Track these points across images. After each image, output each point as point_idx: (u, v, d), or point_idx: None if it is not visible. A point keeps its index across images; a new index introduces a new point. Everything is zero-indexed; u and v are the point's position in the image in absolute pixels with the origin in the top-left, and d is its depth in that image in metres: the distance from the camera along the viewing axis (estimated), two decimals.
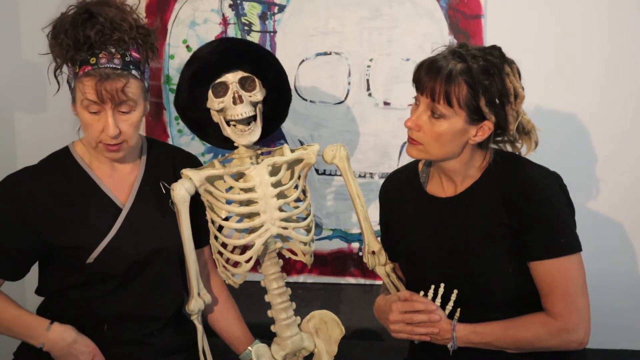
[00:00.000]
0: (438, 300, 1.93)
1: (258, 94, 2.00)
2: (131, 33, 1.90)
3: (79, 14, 1.88)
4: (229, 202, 2.00)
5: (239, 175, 2.03)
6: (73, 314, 2.01)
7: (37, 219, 1.94)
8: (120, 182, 2.03)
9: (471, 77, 1.83)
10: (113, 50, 1.88)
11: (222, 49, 2.02)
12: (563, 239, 1.87)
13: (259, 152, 2.07)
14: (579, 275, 1.88)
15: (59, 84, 1.98)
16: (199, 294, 2.01)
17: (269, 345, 2.09)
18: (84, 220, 1.97)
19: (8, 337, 2.05)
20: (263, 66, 2.04)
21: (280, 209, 2.01)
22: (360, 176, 2.78)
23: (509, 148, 2.00)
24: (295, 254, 2.11)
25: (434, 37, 2.68)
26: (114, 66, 1.87)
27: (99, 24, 1.87)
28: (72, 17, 1.88)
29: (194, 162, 2.14)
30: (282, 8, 2.75)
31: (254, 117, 2.00)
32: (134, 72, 1.91)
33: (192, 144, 2.78)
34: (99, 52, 1.87)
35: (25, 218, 1.94)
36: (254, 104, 2.00)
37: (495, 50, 1.89)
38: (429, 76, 1.86)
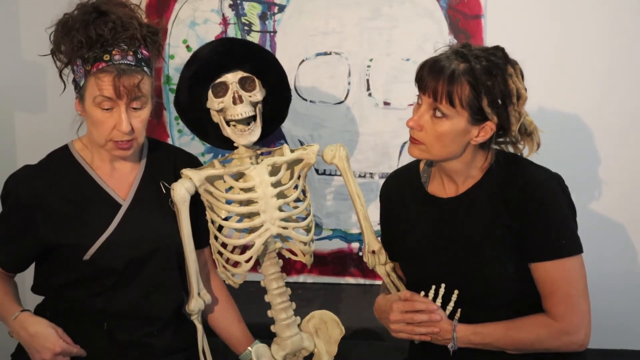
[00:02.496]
0: (439, 301, 1.93)
1: (258, 94, 2.00)
2: (142, 31, 1.92)
3: (89, 12, 1.89)
4: (229, 202, 2.00)
5: (239, 175, 2.03)
6: (71, 312, 2.00)
7: (39, 217, 1.95)
8: (120, 180, 2.03)
9: (474, 77, 1.83)
10: (125, 47, 1.89)
11: (222, 49, 2.02)
12: (564, 241, 1.87)
13: (259, 152, 2.07)
14: (580, 277, 1.88)
15: (64, 83, 1.97)
16: (199, 294, 2.01)
17: (269, 345, 2.09)
18: (83, 218, 1.97)
19: (6, 340, 2.05)
20: (263, 66, 2.04)
21: (280, 209, 2.01)
22: (360, 176, 2.78)
23: (510, 149, 2.00)
24: (295, 254, 2.11)
25: (434, 37, 2.68)
26: (128, 62, 1.89)
27: (111, 22, 1.88)
28: (82, 16, 1.88)
29: (194, 163, 2.14)
30: (282, 8, 2.75)
31: (253, 117, 2.00)
32: (145, 69, 1.93)
33: (192, 144, 2.78)
34: (112, 49, 1.88)
35: (27, 217, 1.95)
36: (254, 104, 2.00)
37: (499, 50, 1.88)
38: (432, 76, 1.85)
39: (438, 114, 1.86)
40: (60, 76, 1.96)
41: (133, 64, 1.89)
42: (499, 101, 1.84)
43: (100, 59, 1.87)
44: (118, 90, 1.87)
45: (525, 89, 1.88)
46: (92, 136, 1.97)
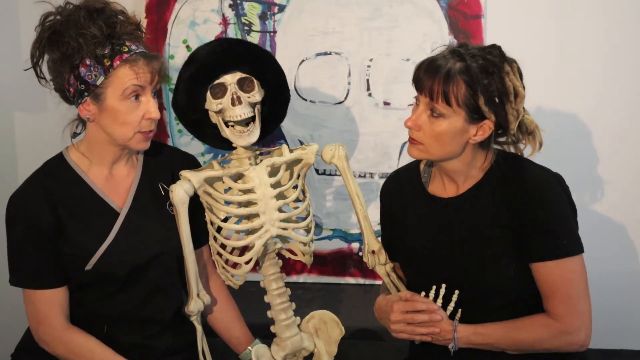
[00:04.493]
0: (439, 301, 1.93)
1: (257, 95, 1.99)
2: (137, 22, 1.95)
3: (90, 10, 1.88)
4: (228, 203, 1.99)
5: (238, 176, 2.02)
6: (71, 315, 1.99)
7: (48, 228, 1.92)
8: (116, 186, 2.02)
9: (470, 76, 1.83)
10: (133, 38, 1.91)
11: (220, 50, 2.00)
12: (565, 241, 1.87)
13: (258, 152, 2.06)
14: (581, 277, 1.88)
15: (69, 96, 1.94)
16: (198, 295, 2.00)
17: (269, 345, 2.09)
18: (83, 227, 1.95)
19: (6, 340, 2.04)
20: (261, 67, 2.02)
21: (280, 210, 2.00)
22: (360, 176, 2.78)
23: (512, 149, 2.00)
24: (295, 254, 2.10)
25: (434, 37, 2.68)
26: (143, 50, 1.92)
27: (114, 17, 1.89)
28: (83, 15, 1.87)
29: (191, 162, 2.13)
30: (282, 8, 2.75)
31: (252, 118, 1.99)
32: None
33: (192, 144, 2.78)
34: (123, 41, 1.89)
35: (42, 227, 1.92)
36: (253, 105, 1.99)
37: (495, 49, 1.88)
38: (428, 76, 1.86)
39: (435, 113, 1.86)
40: (69, 83, 1.90)
41: (147, 50, 1.93)
42: (496, 99, 1.84)
43: (119, 52, 1.88)
44: (153, 74, 1.90)
45: (523, 87, 1.88)
46: (114, 133, 1.93)
